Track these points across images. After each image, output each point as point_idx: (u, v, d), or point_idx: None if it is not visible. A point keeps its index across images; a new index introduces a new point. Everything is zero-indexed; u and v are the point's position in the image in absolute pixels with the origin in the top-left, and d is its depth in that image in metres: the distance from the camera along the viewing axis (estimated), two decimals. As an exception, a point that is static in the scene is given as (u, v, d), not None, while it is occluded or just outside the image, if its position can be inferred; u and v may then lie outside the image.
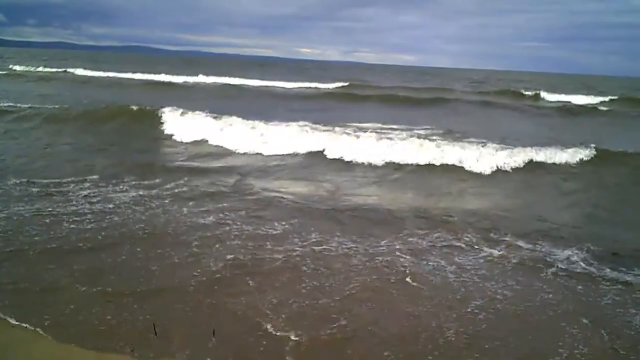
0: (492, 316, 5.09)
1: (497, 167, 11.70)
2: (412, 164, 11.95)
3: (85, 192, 8.56)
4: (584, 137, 16.93)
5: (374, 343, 4.54)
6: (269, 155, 12.80)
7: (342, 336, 4.61)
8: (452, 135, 16.33)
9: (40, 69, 46.20)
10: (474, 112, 26.64)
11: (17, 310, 4.79)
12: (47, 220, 7.09)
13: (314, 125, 15.84)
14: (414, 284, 5.74)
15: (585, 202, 9.78)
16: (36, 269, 5.66)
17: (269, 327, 4.68)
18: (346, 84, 42.10)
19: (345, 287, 5.56)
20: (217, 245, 6.55)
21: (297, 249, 6.58)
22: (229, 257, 6.18)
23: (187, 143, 14.10)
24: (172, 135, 14.78)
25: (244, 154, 13.01)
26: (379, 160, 12.11)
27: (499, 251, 6.82)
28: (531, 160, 12.13)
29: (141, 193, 8.75)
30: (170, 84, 37.31)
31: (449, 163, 11.92)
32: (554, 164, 12.23)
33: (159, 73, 44.32)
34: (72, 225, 6.94)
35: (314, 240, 6.93)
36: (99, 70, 46.48)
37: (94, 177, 9.63)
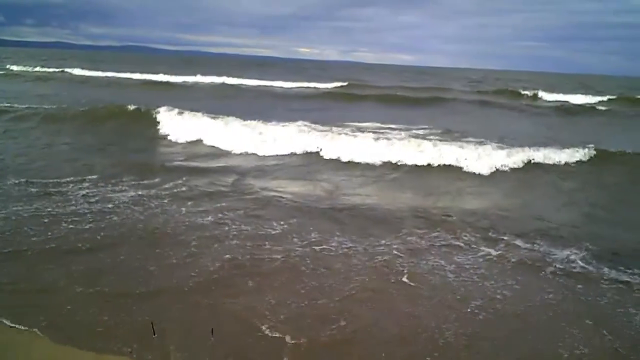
0: (491, 316, 5.08)
1: (496, 166, 11.69)
2: (410, 164, 11.93)
3: (83, 192, 8.54)
4: (583, 136, 16.93)
5: (373, 344, 4.53)
6: (268, 155, 12.78)
7: (341, 337, 4.60)
8: (451, 134, 16.33)
9: (37, 68, 46.04)
10: (472, 111, 26.66)
11: (15, 311, 4.77)
12: (46, 220, 7.07)
13: (312, 125, 15.82)
14: (414, 284, 5.73)
15: (584, 202, 9.78)
16: (34, 269, 5.64)
17: (267, 327, 4.67)
18: (345, 83, 42.09)
19: (344, 287, 5.55)
20: (215, 245, 6.53)
21: (296, 248, 6.56)
22: (227, 257, 6.17)
23: (184, 143, 14.07)
24: (170, 135, 14.70)
25: (243, 154, 12.98)
26: (377, 160, 12.10)
27: (498, 251, 6.82)
28: (530, 160, 12.12)
29: (140, 193, 8.73)
30: (168, 83, 37.24)
31: (448, 163, 11.91)
32: (553, 163, 12.22)
33: (158, 73, 44.24)
34: (70, 226, 6.92)
35: (313, 240, 6.92)
36: (97, 70, 46.38)
37: (93, 177, 9.61)
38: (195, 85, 38.66)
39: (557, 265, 6.39)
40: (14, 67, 45.72)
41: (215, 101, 25.89)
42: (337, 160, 12.23)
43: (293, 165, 12.00)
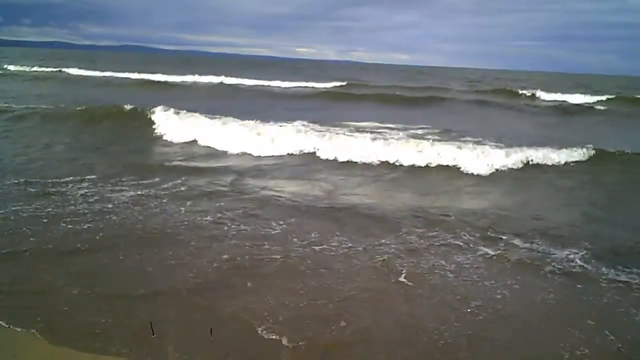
0: (491, 316, 5.06)
1: (494, 166, 11.67)
2: (408, 164, 11.91)
3: (82, 192, 8.51)
4: (581, 136, 16.93)
5: (374, 345, 4.51)
6: (266, 156, 12.74)
7: (341, 338, 4.58)
8: (449, 134, 16.33)
9: (35, 68, 45.92)
10: (470, 111, 26.65)
11: (12, 312, 4.74)
12: (45, 221, 7.04)
13: (311, 125, 15.79)
14: (413, 284, 5.71)
15: (582, 202, 9.78)
16: (32, 270, 5.61)
17: (266, 329, 4.64)
18: (343, 83, 42.09)
19: (344, 288, 5.53)
20: (214, 245, 6.51)
21: (295, 249, 6.54)
22: (226, 257, 6.15)
23: (182, 143, 14.00)
24: (167, 135, 14.62)
25: (241, 154, 12.92)
26: (375, 160, 12.08)
27: (498, 251, 6.80)
28: (528, 160, 12.10)
29: (138, 193, 8.70)
30: (166, 83, 37.15)
31: (446, 163, 11.89)
32: (552, 164, 12.20)
33: (156, 73, 44.21)
34: (69, 226, 6.90)
35: (312, 240, 6.89)
36: (95, 69, 46.34)
37: (91, 177, 9.58)
38: (193, 85, 38.62)
39: (557, 265, 6.37)
40: (11, 67, 45.62)
41: (213, 101, 25.86)
42: (336, 160, 12.21)
43: (291, 165, 11.97)
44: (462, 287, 5.68)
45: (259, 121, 14.87)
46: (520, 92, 39.33)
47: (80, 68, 47.58)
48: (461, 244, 7.01)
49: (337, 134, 13.80)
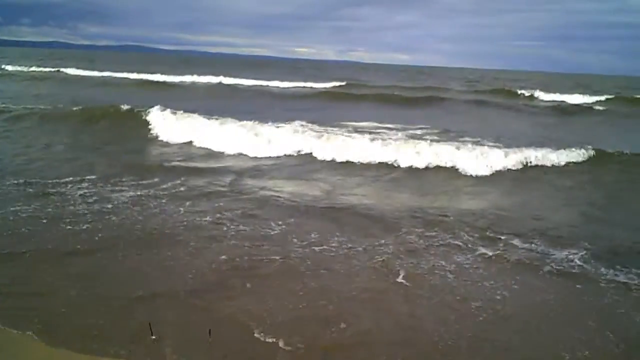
0: (492, 317, 5.05)
1: (493, 166, 11.64)
2: (407, 164, 11.87)
3: (81, 192, 8.50)
4: (580, 136, 16.92)
5: (374, 347, 4.49)
6: (264, 156, 12.69)
7: (340, 340, 4.56)
8: (448, 134, 16.31)
9: (33, 68, 45.78)
10: (469, 111, 26.67)
11: (10, 314, 4.72)
12: (44, 221, 7.03)
13: (309, 125, 15.75)
14: (413, 284, 5.69)
15: (581, 202, 9.77)
16: (31, 271, 5.59)
17: (265, 331, 4.61)
18: (342, 83, 42.07)
19: (343, 289, 5.51)
20: (213, 246, 6.50)
21: (294, 249, 6.52)
22: (225, 258, 6.13)
23: (180, 143, 13.94)
24: (165, 136, 14.55)
25: (239, 154, 12.87)
26: (374, 161, 12.04)
27: (497, 251, 6.78)
28: (527, 160, 12.08)
29: (138, 193, 8.67)
30: (165, 83, 37.13)
31: (445, 163, 11.86)
32: (550, 163, 12.17)
33: (155, 73, 44.14)
34: (68, 227, 6.88)
35: (311, 240, 6.88)
36: (94, 69, 46.26)
37: (90, 177, 9.55)
38: (192, 85, 38.61)
39: (557, 265, 6.36)
40: (9, 67, 45.40)
41: (212, 101, 25.83)
42: (334, 161, 12.18)
43: (290, 165, 11.94)
44: (462, 288, 5.66)
45: (257, 121, 14.82)
46: (520, 92, 39.33)
47: (78, 68, 47.48)
48: (460, 244, 7.00)
49: (336, 134, 13.76)
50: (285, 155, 12.73)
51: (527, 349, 4.56)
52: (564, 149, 12.72)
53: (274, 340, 4.46)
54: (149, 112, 15.85)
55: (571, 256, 6.67)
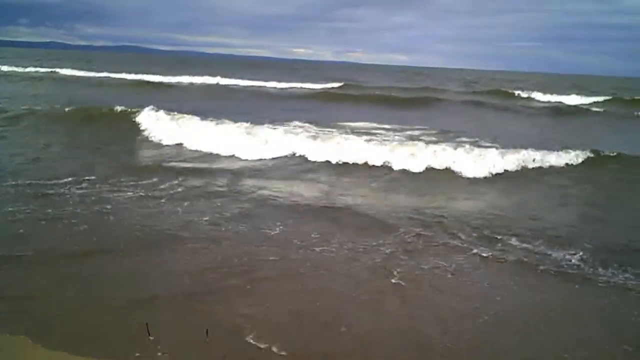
0: (492, 319, 5.02)
1: (491, 167, 11.60)
2: (404, 165, 11.80)
3: (79, 192, 8.45)
4: (577, 138, 16.94)
5: (374, 350, 4.45)
6: (262, 157, 12.61)
7: (341, 343, 4.53)
8: (445, 135, 16.31)
9: (29, 69, 45.55)
10: (467, 112, 26.72)
11: (6, 317, 4.68)
12: (42, 223, 6.99)
13: (307, 126, 15.71)
14: (413, 286, 5.66)
15: (579, 202, 9.77)
16: (29, 273, 5.55)
17: (263, 333, 4.57)
18: (340, 84, 42.07)
19: (342, 290, 5.49)
20: (211, 247, 6.46)
21: (293, 250, 6.50)
22: (224, 259, 6.10)
23: (175, 144, 13.82)
24: (159, 136, 14.42)
25: (237, 155, 12.78)
26: (371, 161, 11.97)
27: (496, 252, 6.76)
28: (524, 161, 12.05)
29: (135, 194, 8.63)
30: (162, 84, 37.01)
31: (442, 164, 11.80)
32: (547, 164, 12.14)
33: (152, 73, 44.06)
34: (65, 228, 6.83)
35: (309, 241, 6.85)
36: (91, 70, 46.11)
37: (87, 177, 9.48)
38: (189, 85, 38.55)
39: (555, 266, 6.34)
40: (4, 68, 45.13)
41: (208, 102, 25.77)
42: (332, 162, 12.09)
43: (287, 166, 11.89)
44: (461, 289, 5.65)
45: (254, 122, 14.74)
46: (517, 93, 39.42)
47: (75, 69, 47.27)
48: (459, 245, 6.98)
49: (333, 135, 13.71)
50: (282, 156, 12.64)
51: (527, 349, 4.54)
52: (562, 150, 12.70)
53: (272, 343, 4.41)
54: (144, 113, 15.75)
55: (569, 256, 6.66)
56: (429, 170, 11.63)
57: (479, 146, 12.97)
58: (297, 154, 12.63)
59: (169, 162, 11.71)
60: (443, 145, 12.53)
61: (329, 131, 14.94)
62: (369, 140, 12.98)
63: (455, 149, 12.22)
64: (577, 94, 40.48)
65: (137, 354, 4.20)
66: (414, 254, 6.59)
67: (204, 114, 16.02)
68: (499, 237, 7.33)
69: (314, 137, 13.27)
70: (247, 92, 33.61)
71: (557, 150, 12.63)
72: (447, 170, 11.59)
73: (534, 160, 12.12)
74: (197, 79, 43.07)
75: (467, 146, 12.62)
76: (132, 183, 9.37)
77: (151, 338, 4.39)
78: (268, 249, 6.50)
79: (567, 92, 42.00)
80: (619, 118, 26.45)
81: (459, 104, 30.25)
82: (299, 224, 7.63)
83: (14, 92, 26.41)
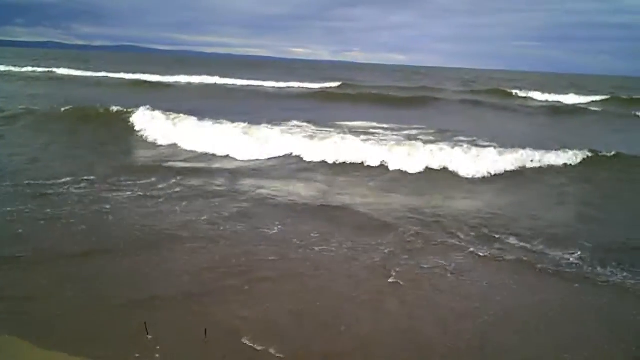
0: (491, 319, 5.02)
1: (488, 167, 11.59)
2: (402, 164, 11.79)
3: (78, 192, 8.44)
4: (575, 137, 16.96)
5: (372, 349, 4.45)
6: (260, 157, 12.59)
7: (341, 343, 4.53)
8: (443, 134, 16.32)
9: (25, 69, 45.37)
10: (465, 111, 26.73)
11: (4, 318, 4.66)
12: (42, 222, 6.98)
13: (305, 125, 15.69)
14: (412, 286, 5.66)
15: (578, 202, 9.77)
16: (28, 274, 5.54)
17: (262, 334, 4.57)
18: (338, 84, 42.06)
19: (342, 290, 5.49)
20: (210, 247, 6.46)
21: (291, 250, 6.50)
22: (222, 259, 6.09)
23: (172, 144, 13.78)
24: (154, 136, 14.40)
25: (235, 155, 12.74)
26: (369, 161, 11.95)
27: (496, 251, 6.76)
28: (522, 160, 12.03)
29: (133, 194, 8.62)
30: (160, 84, 36.99)
31: (440, 163, 11.79)
32: (546, 164, 12.15)
33: (150, 73, 44.01)
34: (64, 228, 6.82)
35: (308, 241, 6.84)
36: (88, 70, 46.03)
37: (85, 178, 9.47)
38: (187, 85, 38.51)
39: (555, 265, 6.35)
40: (1, 67, 44.94)
41: (206, 101, 25.76)
42: (329, 162, 12.06)
43: (285, 166, 11.88)
44: (461, 289, 5.65)
45: (251, 122, 14.73)
46: (515, 92, 39.46)
47: (72, 68, 47.15)
48: (458, 244, 6.98)
49: (331, 134, 13.69)
50: (280, 155, 12.63)
51: (527, 349, 4.54)
52: (560, 149, 12.70)
53: (272, 343, 4.41)
54: (136, 113, 15.72)
55: (568, 256, 6.67)
56: (427, 169, 11.62)
57: (477, 146, 12.97)
58: (299, 153, 12.60)
59: (166, 162, 11.69)
60: (441, 145, 12.53)
61: (327, 131, 14.93)
62: (367, 140, 12.96)
63: (454, 148, 12.22)
64: (576, 93, 40.54)
65: (137, 355, 4.19)
66: (413, 253, 6.59)
67: (201, 114, 16.01)
68: (497, 236, 7.33)
69: (313, 137, 13.27)
70: (245, 92, 33.60)
71: (556, 150, 12.63)
72: (445, 169, 11.58)
73: (532, 160, 12.13)
74: (196, 79, 43.03)
75: (465, 146, 12.61)
76: (130, 183, 9.36)
77: (149, 337, 4.38)
78: (267, 248, 6.50)
79: (565, 92, 42.05)
80: (617, 117, 26.47)
81: (457, 103, 30.28)
82: (298, 223, 7.63)
83: (11, 91, 26.35)
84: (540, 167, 11.99)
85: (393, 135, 15.65)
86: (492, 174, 11.45)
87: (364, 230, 7.45)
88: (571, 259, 6.55)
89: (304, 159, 12.22)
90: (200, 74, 46.59)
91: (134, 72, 43.39)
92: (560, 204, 9.68)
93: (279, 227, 7.38)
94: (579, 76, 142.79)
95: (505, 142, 13.61)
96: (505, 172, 11.61)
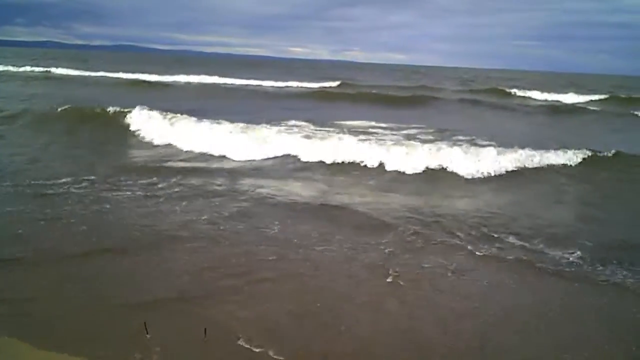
0: (491, 319, 5.03)
1: (488, 166, 11.57)
2: (401, 164, 11.78)
3: (77, 193, 8.43)
4: (574, 136, 16.96)
5: (372, 349, 4.45)
6: (259, 158, 12.56)
7: (341, 343, 4.53)
8: (442, 134, 16.30)
9: (24, 68, 45.26)
10: (464, 110, 26.72)
11: (4, 319, 4.66)
12: (42, 223, 6.98)
13: (304, 125, 15.67)
14: (412, 286, 5.66)
15: (577, 201, 9.79)
16: (28, 274, 5.54)
17: (263, 333, 4.58)
18: (337, 83, 42.02)
19: (342, 290, 5.49)
20: (210, 247, 6.46)
21: (291, 250, 6.49)
22: (222, 259, 6.09)
23: (171, 144, 13.74)
24: (151, 136, 14.38)
25: (234, 155, 12.70)
26: (367, 161, 11.94)
27: (495, 250, 6.76)
28: (521, 160, 12.01)
29: (133, 193, 8.61)
30: (159, 83, 36.91)
31: (439, 163, 11.77)
32: (546, 163, 12.14)
33: (149, 72, 43.93)
34: (64, 229, 6.82)
35: (308, 241, 6.84)
36: (87, 69, 45.91)
37: (86, 177, 9.47)
38: (186, 85, 38.44)
39: (555, 264, 6.35)
40: (0, 67, 44.89)
41: (205, 101, 25.71)
42: (328, 162, 12.04)
43: (284, 166, 11.87)
44: (461, 288, 5.65)
45: (251, 122, 14.71)
46: (515, 92, 39.45)
47: (70, 68, 47.07)
48: (458, 244, 6.98)
49: (330, 134, 13.67)
50: (279, 155, 12.60)
51: (527, 348, 4.55)
52: (559, 148, 12.69)
53: (272, 343, 4.41)
54: (133, 112, 15.70)
55: (568, 255, 6.67)
56: (427, 169, 11.60)
57: (476, 145, 12.96)
58: (298, 153, 12.56)
59: (165, 162, 11.68)
60: (440, 144, 12.52)
61: (326, 130, 14.92)
62: (366, 140, 12.94)
63: (454, 148, 12.20)
64: (575, 92, 40.53)
65: (137, 355, 4.18)
66: (413, 253, 6.59)
67: (200, 114, 15.99)
68: (497, 236, 7.34)
69: (312, 137, 13.24)
70: (244, 91, 33.53)
71: (555, 149, 12.62)
72: (444, 169, 11.57)
73: (531, 160, 12.12)
74: (195, 78, 42.94)
75: (464, 145, 12.60)
76: (129, 182, 9.36)
77: (148, 336, 4.38)
78: (267, 248, 6.50)
79: (564, 91, 42.05)
80: (616, 116, 26.47)
81: (456, 102, 30.27)
82: (297, 223, 7.63)
83: (10, 91, 26.31)
84: (539, 167, 11.98)
85: (392, 134, 15.64)
86: (492, 173, 11.44)
87: (364, 230, 7.45)
88: (571, 259, 6.55)
89: (306, 159, 12.19)
90: (199, 73, 46.50)
91: (132, 72, 43.31)
92: (559, 203, 9.69)
93: (279, 226, 7.38)
94: (578, 75, 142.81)
95: (505, 142, 13.60)
96: (505, 171, 11.60)
